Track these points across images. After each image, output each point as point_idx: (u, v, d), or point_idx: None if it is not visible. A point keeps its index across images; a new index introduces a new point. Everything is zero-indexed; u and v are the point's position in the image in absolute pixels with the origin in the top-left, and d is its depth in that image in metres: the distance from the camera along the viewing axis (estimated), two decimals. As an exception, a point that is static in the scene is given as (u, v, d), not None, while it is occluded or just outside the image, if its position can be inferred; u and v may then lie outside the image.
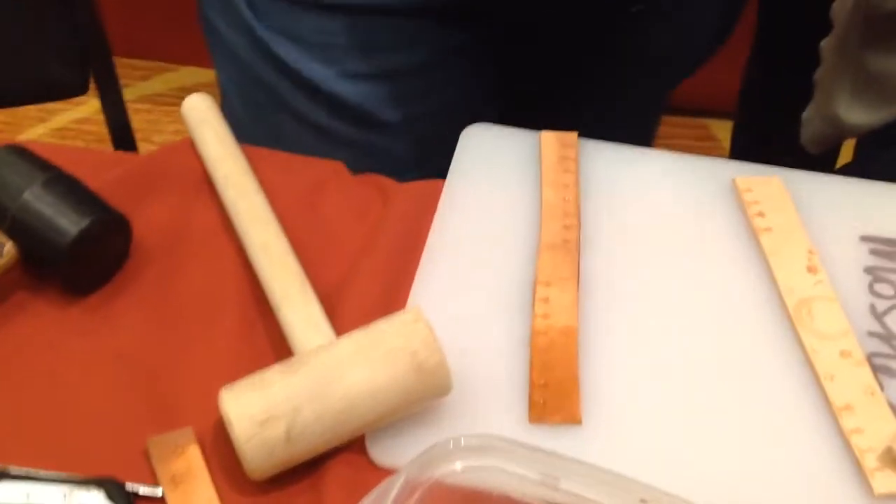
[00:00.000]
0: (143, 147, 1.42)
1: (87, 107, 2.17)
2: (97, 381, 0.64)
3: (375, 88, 0.88)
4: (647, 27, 0.84)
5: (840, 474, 0.60)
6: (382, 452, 0.61)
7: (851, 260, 0.71)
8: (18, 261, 0.67)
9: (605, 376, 0.65)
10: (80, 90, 1.27)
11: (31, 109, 2.17)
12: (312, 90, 0.89)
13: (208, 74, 0.93)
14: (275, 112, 0.92)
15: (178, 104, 0.80)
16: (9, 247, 0.67)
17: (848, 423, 0.61)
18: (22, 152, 0.70)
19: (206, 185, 0.76)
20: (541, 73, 0.96)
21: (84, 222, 0.66)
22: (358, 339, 0.61)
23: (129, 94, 1.36)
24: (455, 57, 0.90)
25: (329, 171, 0.78)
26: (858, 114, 0.84)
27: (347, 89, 0.88)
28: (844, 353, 0.65)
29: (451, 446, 0.53)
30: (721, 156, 1.17)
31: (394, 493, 0.52)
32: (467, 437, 0.54)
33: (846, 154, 1.08)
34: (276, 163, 0.78)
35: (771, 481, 0.60)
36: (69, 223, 0.66)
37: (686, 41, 0.94)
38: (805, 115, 0.84)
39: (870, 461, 0.59)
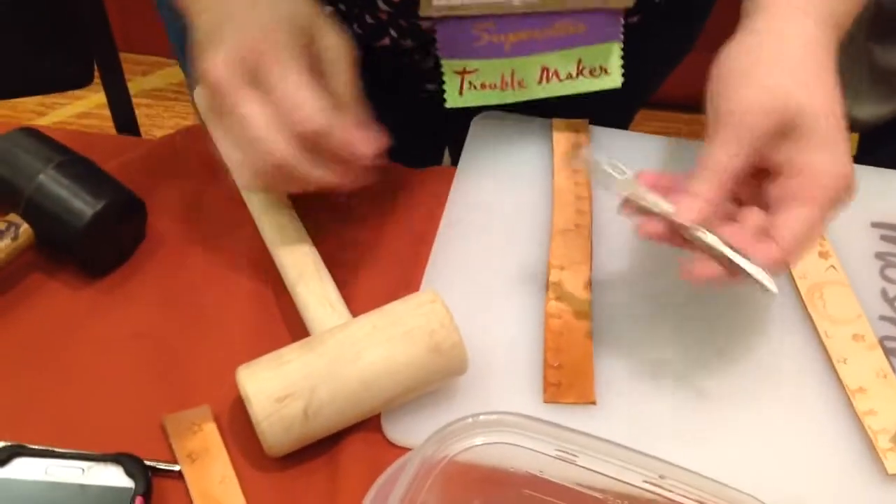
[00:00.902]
0: (147, 140, 1.42)
1: (87, 101, 2.17)
2: (114, 361, 0.64)
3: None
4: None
5: (853, 455, 0.60)
6: (398, 430, 0.61)
7: (863, 246, 0.72)
8: (34, 243, 0.67)
9: (618, 358, 0.65)
10: (86, 81, 1.27)
11: (30, 103, 2.17)
12: None
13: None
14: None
15: (178, 99, 0.81)
16: (24, 228, 0.67)
17: (861, 405, 0.62)
18: (37, 135, 0.70)
19: (220, 168, 0.76)
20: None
21: (99, 204, 0.67)
22: (374, 319, 0.61)
23: (129, 89, 1.36)
24: None
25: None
26: (867, 108, 0.84)
27: None
28: (857, 337, 0.65)
29: (470, 422, 0.54)
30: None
31: (412, 469, 0.52)
32: (485, 413, 0.54)
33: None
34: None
35: (784, 461, 0.60)
36: (84, 205, 0.66)
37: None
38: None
39: (883, 442, 0.60)
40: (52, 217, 0.66)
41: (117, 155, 0.76)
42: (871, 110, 0.91)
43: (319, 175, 0.62)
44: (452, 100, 0.75)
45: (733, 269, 0.57)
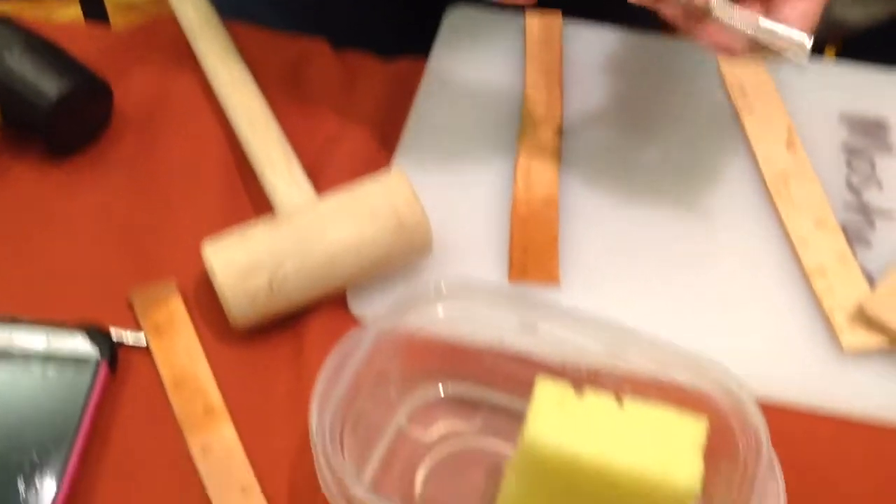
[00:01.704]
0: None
1: (63, 14, 2.14)
2: (81, 238, 0.64)
3: None
4: None
5: (811, 333, 0.61)
6: (363, 306, 0.62)
7: (831, 138, 0.72)
8: (2, 123, 0.67)
9: (584, 243, 0.66)
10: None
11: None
12: None
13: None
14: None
15: (155, 10, 0.79)
16: (-9, 108, 0.67)
17: (819, 284, 0.63)
18: (4, 20, 0.70)
19: (188, 57, 0.75)
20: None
21: (65, 85, 0.66)
22: (340, 197, 0.61)
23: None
24: None
25: (312, 48, 0.78)
26: (856, 10, 0.84)
27: None
28: (819, 222, 0.66)
29: (431, 291, 0.54)
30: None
31: (370, 337, 0.53)
32: (447, 282, 0.55)
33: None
34: (259, 39, 0.78)
35: (743, 337, 0.61)
36: (51, 85, 0.66)
37: None
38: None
39: (840, 320, 0.61)
40: (18, 97, 0.66)
41: (86, 42, 0.75)
42: (860, 13, 0.90)
43: None
44: None
45: (753, 45, 0.54)
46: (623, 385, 0.53)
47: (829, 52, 1.01)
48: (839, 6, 0.87)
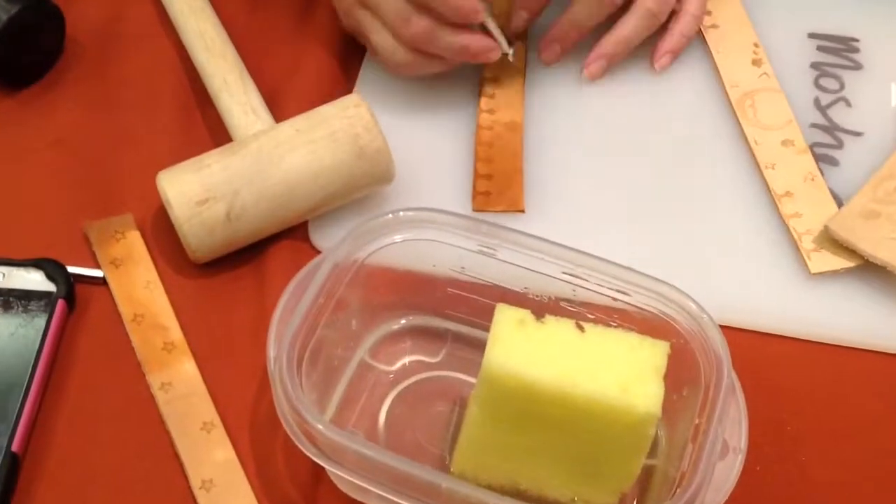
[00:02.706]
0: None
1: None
2: (33, 170, 0.63)
3: None
4: None
5: (778, 256, 0.61)
6: (324, 238, 0.61)
7: (798, 56, 0.71)
8: (-53, 52, 0.65)
9: (548, 170, 0.65)
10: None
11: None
12: None
13: None
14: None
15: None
16: (-64, 37, 0.64)
17: (787, 208, 0.62)
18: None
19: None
20: None
21: (14, 8, 0.64)
22: (298, 122, 0.60)
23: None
24: None
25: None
26: None
27: None
28: (786, 143, 0.65)
29: (389, 218, 0.53)
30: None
31: (328, 266, 0.52)
32: (404, 210, 0.54)
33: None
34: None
35: (710, 264, 0.61)
36: (-1, 10, 0.64)
37: None
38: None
39: (807, 243, 0.60)
40: (-37, 25, 0.64)
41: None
42: None
43: (460, 42, 0.63)
44: None
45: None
46: (584, 310, 0.52)
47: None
48: None
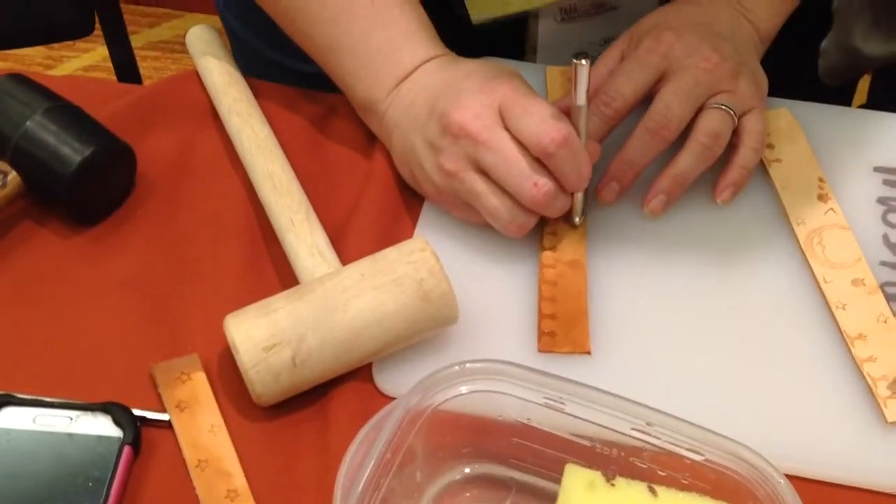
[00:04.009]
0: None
1: (94, 54, 2.16)
2: (102, 310, 0.64)
3: None
4: None
5: (852, 403, 0.59)
6: (388, 381, 0.60)
7: (864, 191, 0.70)
8: (22, 190, 0.67)
9: (613, 309, 0.64)
10: (86, 30, 1.26)
11: (36, 57, 2.15)
12: None
13: (214, 21, 0.92)
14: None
15: (185, 51, 0.79)
16: (12, 176, 0.66)
17: (861, 351, 0.61)
18: (25, 81, 0.69)
19: (211, 115, 0.75)
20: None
21: (87, 151, 0.66)
22: (363, 267, 0.60)
23: (136, 42, 1.34)
24: None
25: (334, 104, 0.77)
26: (876, 44, 0.82)
27: None
28: (857, 282, 0.64)
29: (456, 370, 0.53)
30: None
31: (397, 416, 0.51)
32: (471, 361, 0.53)
33: (860, 98, 1.07)
34: (281, 96, 0.77)
35: (781, 411, 0.59)
36: (72, 151, 0.66)
37: None
38: (823, 45, 0.83)
39: (882, 389, 0.59)
40: (39, 164, 0.66)
41: (108, 101, 0.75)
42: (880, 47, 0.88)
43: (563, 203, 0.64)
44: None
45: None
46: (655, 467, 0.51)
47: (859, 97, 0.99)
48: (860, 39, 0.85)
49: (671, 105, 0.67)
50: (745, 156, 0.69)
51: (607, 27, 0.79)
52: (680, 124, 0.67)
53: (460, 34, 0.75)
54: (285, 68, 0.85)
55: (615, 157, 0.68)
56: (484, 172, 0.63)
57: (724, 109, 0.67)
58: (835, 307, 0.63)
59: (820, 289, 0.64)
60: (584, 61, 0.60)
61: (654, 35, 0.69)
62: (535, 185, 0.62)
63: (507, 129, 0.63)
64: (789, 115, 0.74)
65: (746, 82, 0.69)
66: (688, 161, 0.68)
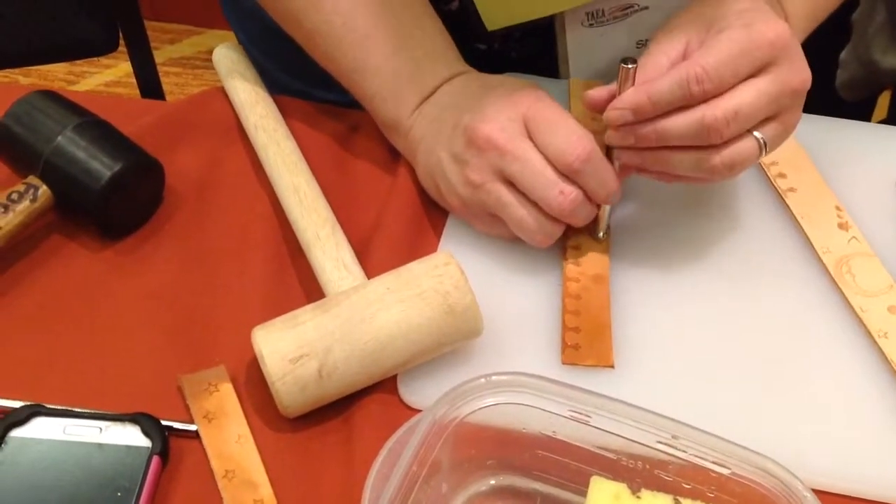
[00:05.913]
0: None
1: (117, 70, 2.18)
2: (131, 322, 0.64)
3: None
4: None
5: (885, 419, 0.59)
6: (414, 392, 0.61)
7: (886, 208, 0.70)
8: (53, 205, 0.68)
9: (637, 323, 0.64)
10: (110, 47, 1.28)
11: (59, 72, 2.18)
12: None
13: (234, 38, 0.93)
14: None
15: (207, 67, 0.80)
16: (43, 190, 0.67)
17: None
18: (55, 97, 0.70)
19: (238, 131, 0.76)
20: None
21: (117, 166, 0.67)
22: (389, 281, 0.61)
23: (157, 58, 1.36)
24: None
25: (358, 120, 0.78)
26: (894, 58, 0.82)
27: None
28: (893, 309, 0.64)
29: (482, 382, 0.54)
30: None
31: (423, 429, 0.52)
32: (497, 374, 0.54)
33: (879, 114, 1.07)
34: (305, 112, 0.78)
35: (812, 426, 0.59)
36: (102, 166, 0.67)
37: None
38: (842, 57, 0.83)
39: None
40: (70, 179, 0.67)
41: (136, 117, 0.76)
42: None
43: (589, 211, 0.65)
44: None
45: None
46: (680, 480, 0.51)
47: (879, 112, 1.00)
48: (878, 52, 0.85)
49: (753, 102, 0.60)
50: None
51: (638, 29, 0.78)
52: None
53: (485, 58, 0.75)
54: (308, 96, 0.86)
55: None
56: (510, 183, 0.64)
57: (761, 143, 0.62)
58: (877, 335, 0.62)
59: (859, 318, 0.64)
60: (630, 65, 0.60)
61: (765, 21, 0.60)
62: (561, 192, 0.62)
63: (531, 140, 0.63)
64: (794, 142, 0.74)
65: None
66: (687, 159, 0.62)
